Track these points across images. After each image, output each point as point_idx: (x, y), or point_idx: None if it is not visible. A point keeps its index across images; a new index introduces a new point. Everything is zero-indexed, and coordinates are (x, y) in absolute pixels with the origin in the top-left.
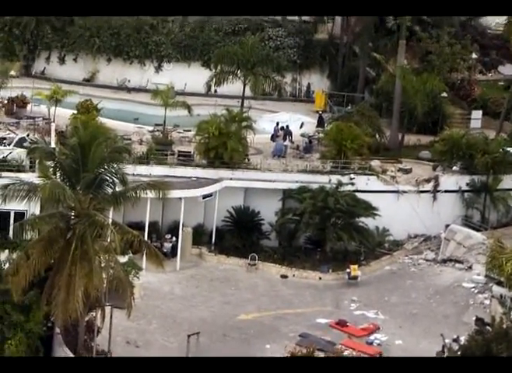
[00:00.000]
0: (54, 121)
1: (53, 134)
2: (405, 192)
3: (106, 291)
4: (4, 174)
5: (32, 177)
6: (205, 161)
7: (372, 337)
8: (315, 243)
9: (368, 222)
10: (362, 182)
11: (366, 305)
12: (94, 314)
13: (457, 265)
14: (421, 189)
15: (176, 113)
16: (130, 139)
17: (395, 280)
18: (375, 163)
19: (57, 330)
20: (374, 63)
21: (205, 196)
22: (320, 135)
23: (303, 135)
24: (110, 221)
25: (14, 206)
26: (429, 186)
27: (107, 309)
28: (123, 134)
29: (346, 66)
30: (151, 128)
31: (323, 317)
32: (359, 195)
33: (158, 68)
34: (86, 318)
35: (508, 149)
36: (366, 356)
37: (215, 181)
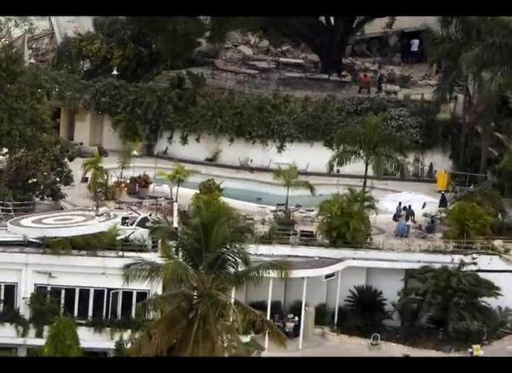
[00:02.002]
0: (176, 201)
1: (175, 213)
2: None
3: None
4: (126, 254)
5: (154, 257)
6: (327, 240)
7: None
8: (437, 323)
9: (490, 302)
10: (484, 261)
11: None
12: None
13: None
14: None
15: (298, 192)
16: (252, 219)
17: None
18: (497, 243)
19: None
20: (497, 143)
21: (327, 276)
22: (443, 215)
23: (425, 215)
24: (233, 300)
25: (136, 286)
26: None
27: None
28: (245, 213)
29: (469, 146)
30: (273, 208)
31: None
32: (482, 275)
33: (280, 148)
34: None
35: None
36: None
37: (338, 261)
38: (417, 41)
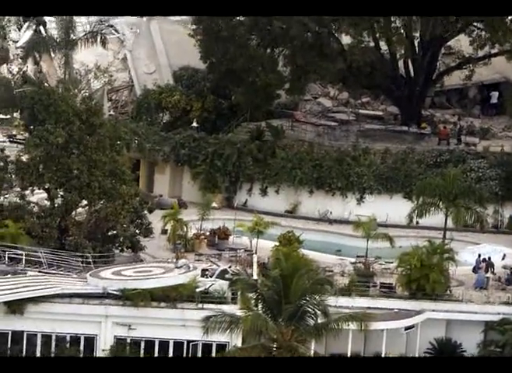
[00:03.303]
0: (255, 253)
1: (255, 265)
2: None
3: None
4: (206, 306)
5: (234, 309)
6: (407, 292)
7: None
8: None
9: None
10: None
11: None
12: None
13: None
14: None
15: (378, 244)
16: (332, 271)
17: None
18: None
19: None
20: None
21: (407, 328)
22: None
23: (505, 267)
24: (312, 352)
25: (216, 337)
26: None
27: None
28: (325, 265)
29: None
30: (353, 260)
31: None
32: None
33: (360, 200)
34: None
35: None
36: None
37: (417, 313)
38: (496, 93)
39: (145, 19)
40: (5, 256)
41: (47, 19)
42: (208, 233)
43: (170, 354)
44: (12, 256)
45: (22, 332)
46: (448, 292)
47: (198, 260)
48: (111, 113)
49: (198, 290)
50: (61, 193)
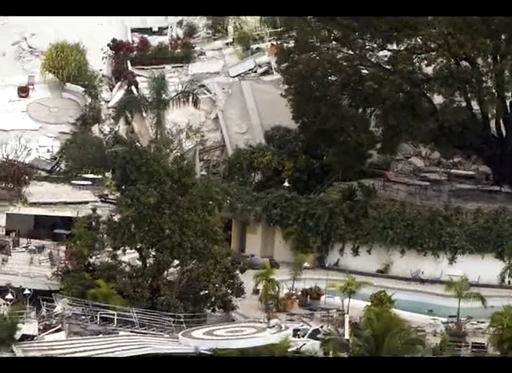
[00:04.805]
0: (347, 313)
1: (347, 325)
2: None
3: None
4: None
5: None
6: (498, 352)
7: None
8: None
9: None
10: None
11: None
12: None
13: None
14: None
15: (470, 304)
16: (423, 330)
17: None
18: None
19: None
20: None
21: None
22: None
23: None
24: None
25: None
26: None
27: None
28: (416, 325)
29: None
30: (445, 320)
31: None
32: None
33: (451, 260)
34: None
35: None
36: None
37: None
38: None
39: (236, 79)
40: (97, 316)
41: (139, 79)
42: (300, 293)
43: None
44: (104, 315)
45: None
46: None
47: (290, 320)
48: (203, 173)
49: (289, 350)
50: (153, 253)
